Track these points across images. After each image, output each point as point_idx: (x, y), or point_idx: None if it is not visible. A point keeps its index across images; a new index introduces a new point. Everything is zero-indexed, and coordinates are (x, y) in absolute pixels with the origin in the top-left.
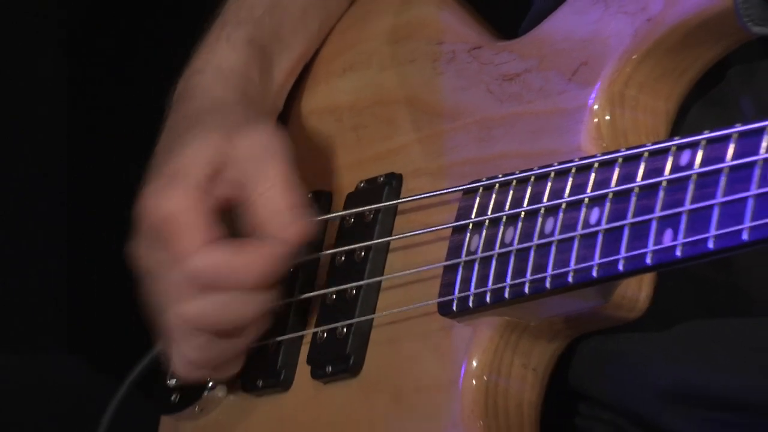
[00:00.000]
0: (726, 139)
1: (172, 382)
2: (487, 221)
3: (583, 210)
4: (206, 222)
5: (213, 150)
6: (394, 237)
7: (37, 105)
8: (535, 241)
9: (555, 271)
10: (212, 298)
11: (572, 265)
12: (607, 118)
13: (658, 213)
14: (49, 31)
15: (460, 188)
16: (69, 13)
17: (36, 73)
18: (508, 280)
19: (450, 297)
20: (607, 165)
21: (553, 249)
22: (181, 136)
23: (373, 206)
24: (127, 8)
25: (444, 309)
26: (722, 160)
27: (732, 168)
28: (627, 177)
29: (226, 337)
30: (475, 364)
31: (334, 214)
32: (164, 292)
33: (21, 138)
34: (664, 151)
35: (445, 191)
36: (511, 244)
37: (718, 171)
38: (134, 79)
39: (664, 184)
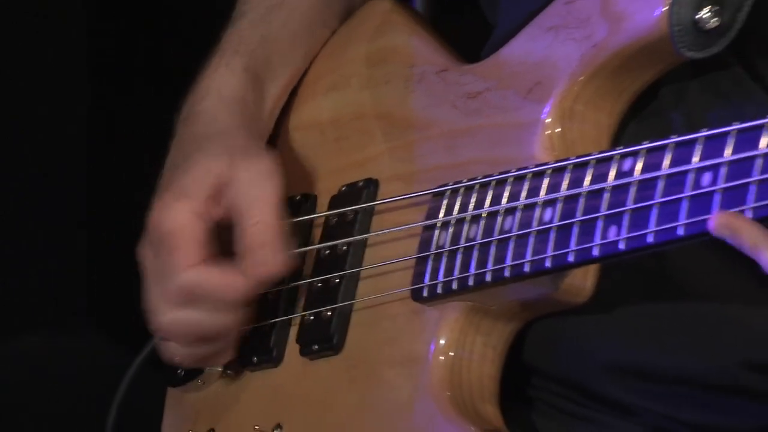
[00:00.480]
0: (663, 148)
1: None
2: (453, 220)
3: (538, 210)
4: (200, 242)
5: (216, 173)
6: (371, 233)
7: (60, 89)
8: (496, 236)
9: (513, 263)
10: (190, 311)
11: (528, 257)
12: (558, 130)
13: (603, 212)
14: (69, 26)
15: (430, 191)
16: (89, 12)
17: (56, 65)
18: (472, 270)
19: (421, 285)
20: (559, 171)
21: (512, 243)
22: (189, 155)
23: (353, 207)
24: (143, 9)
25: (416, 295)
26: (659, 167)
27: (669, 174)
28: (576, 181)
29: (201, 343)
30: (442, 342)
31: (319, 214)
32: (155, 297)
33: (43, 117)
34: (609, 159)
35: (417, 194)
36: (474, 239)
37: (657, 176)
38: (153, 75)
39: (609, 187)
